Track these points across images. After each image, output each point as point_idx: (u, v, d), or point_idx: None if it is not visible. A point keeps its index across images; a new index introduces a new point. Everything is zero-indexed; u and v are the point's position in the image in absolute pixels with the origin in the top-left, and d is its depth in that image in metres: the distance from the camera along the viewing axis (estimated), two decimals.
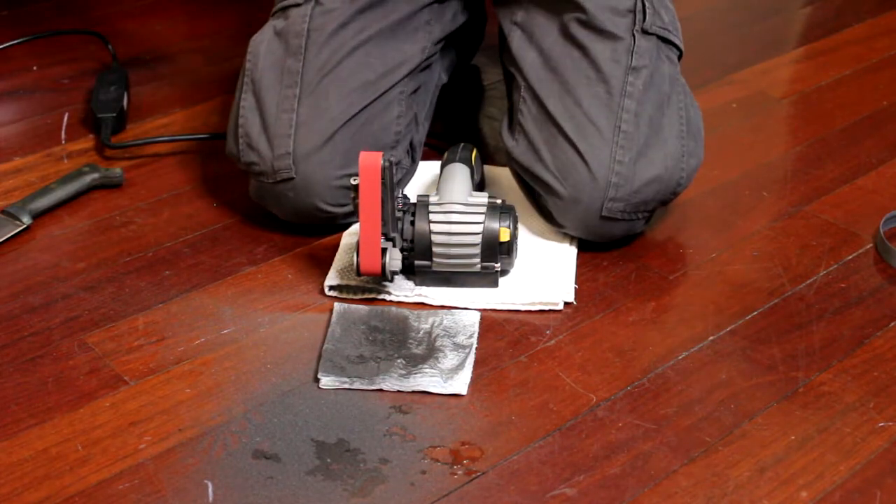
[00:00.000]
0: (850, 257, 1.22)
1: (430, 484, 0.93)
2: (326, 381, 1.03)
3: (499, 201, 1.13)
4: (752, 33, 1.75)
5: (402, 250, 1.12)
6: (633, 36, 1.19)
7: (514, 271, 1.17)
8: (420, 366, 1.04)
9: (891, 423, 1.01)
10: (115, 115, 1.39)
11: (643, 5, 1.20)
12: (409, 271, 1.15)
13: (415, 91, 1.27)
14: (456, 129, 1.44)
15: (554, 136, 1.17)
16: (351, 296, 1.14)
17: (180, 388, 1.02)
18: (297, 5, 1.22)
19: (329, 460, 0.95)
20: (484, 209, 1.12)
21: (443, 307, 1.13)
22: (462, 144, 1.23)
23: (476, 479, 0.94)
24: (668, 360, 1.07)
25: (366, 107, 1.20)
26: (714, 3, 1.84)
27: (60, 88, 1.52)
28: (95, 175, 1.29)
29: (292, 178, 1.17)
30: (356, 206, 1.08)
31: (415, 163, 1.30)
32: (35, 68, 1.57)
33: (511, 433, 0.99)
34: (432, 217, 1.12)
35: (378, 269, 1.08)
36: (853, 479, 0.95)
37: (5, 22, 1.68)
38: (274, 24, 1.24)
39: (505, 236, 1.12)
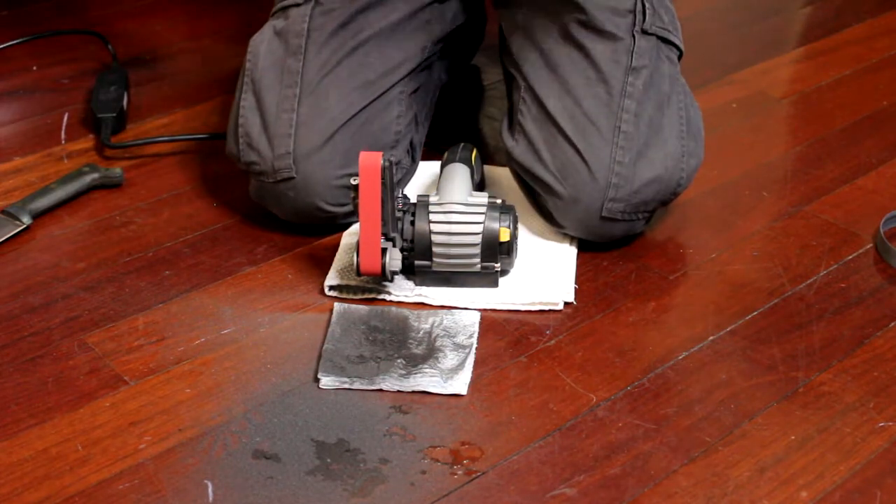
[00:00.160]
0: (850, 257, 1.22)
1: (430, 484, 0.93)
2: (326, 381, 1.03)
3: (499, 201, 1.13)
4: (752, 33, 1.75)
5: (402, 250, 1.12)
6: (633, 36, 1.19)
7: (514, 271, 1.16)
8: (420, 366, 1.04)
9: (891, 423, 1.01)
10: (115, 115, 1.39)
11: (643, 6, 1.20)
12: (409, 271, 1.15)
13: (415, 91, 1.27)
14: (456, 129, 1.44)
15: (554, 136, 1.17)
16: (351, 296, 1.14)
17: (180, 388, 1.02)
18: (297, 5, 1.22)
19: (329, 460, 0.95)
20: (484, 209, 1.12)
21: (443, 307, 1.13)
22: (462, 144, 1.23)
23: (476, 479, 0.94)
24: (668, 360, 1.07)
25: (366, 106, 1.20)
26: (714, 3, 1.84)
27: (60, 88, 1.52)
28: (95, 175, 1.29)
29: (292, 178, 1.17)
30: (356, 206, 1.08)
31: (415, 163, 1.30)
32: (35, 68, 1.57)
33: (511, 433, 0.99)
34: (432, 217, 1.12)
35: (378, 269, 1.08)
36: (853, 479, 0.95)
37: (5, 22, 1.68)
38: (274, 23, 1.24)
39: (505, 236, 1.12)
